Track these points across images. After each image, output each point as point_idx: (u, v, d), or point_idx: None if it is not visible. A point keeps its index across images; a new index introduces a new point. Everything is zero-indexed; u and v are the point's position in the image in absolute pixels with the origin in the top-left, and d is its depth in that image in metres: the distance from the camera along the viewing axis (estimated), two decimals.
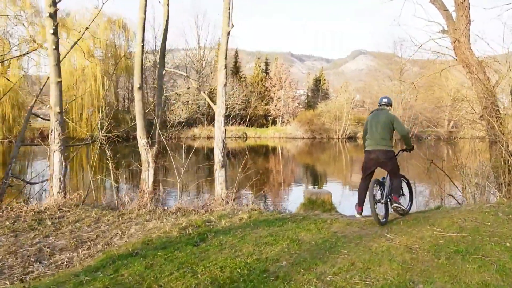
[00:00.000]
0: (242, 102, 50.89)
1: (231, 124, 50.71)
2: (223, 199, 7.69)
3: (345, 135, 46.77)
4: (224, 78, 8.05)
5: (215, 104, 8.20)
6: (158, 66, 7.85)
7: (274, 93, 53.26)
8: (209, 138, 48.11)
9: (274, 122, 54.53)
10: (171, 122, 46.14)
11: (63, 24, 37.66)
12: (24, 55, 40.93)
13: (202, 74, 53.15)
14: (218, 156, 7.93)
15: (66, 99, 40.19)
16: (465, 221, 5.63)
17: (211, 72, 53.18)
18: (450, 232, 5.06)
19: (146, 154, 7.35)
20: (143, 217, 5.87)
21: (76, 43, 8.60)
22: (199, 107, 51.53)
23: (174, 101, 50.55)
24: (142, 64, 7.33)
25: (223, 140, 8.00)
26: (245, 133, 49.73)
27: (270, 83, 53.79)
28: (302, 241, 4.62)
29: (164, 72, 7.67)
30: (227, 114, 45.77)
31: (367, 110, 48.55)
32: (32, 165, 13.73)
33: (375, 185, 5.83)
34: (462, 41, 9.68)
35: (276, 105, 53.17)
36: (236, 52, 56.14)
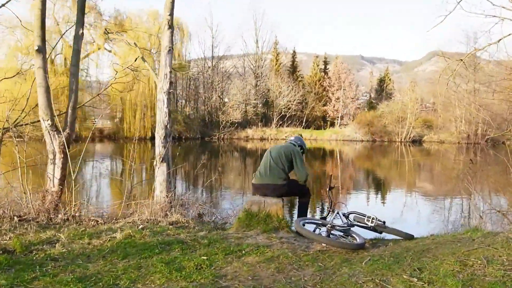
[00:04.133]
0: (298, 102, 48.48)
1: (286, 126, 48.58)
2: (161, 206, 5.67)
3: (409, 138, 42.44)
4: (169, 41, 6.00)
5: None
6: (75, 24, 5.91)
7: (333, 94, 50.10)
8: (262, 139, 46.42)
9: (332, 124, 51.34)
10: (224, 122, 45.62)
11: (122, 25, 37.99)
12: (85, 57, 42.40)
13: (260, 73, 51.67)
14: (158, 147, 5.93)
15: (122, 100, 40.57)
16: (489, 263, 3.15)
17: (270, 71, 51.58)
18: None
19: (52, 142, 5.52)
20: None
21: None
22: (254, 107, 50.01)
23: (227, 101, 49.47)
24: (43, 18, 5.47)
25: (166, 126, 5.96)
26: (301, 135, 47.13)
27: (329, 83, 50.71)
28: None
29: (81, 31, 5.79)
30: (281, 115, 44.14)
31: (435, 111, 43.81)
32: None
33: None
34: None
35: (334, 106, 49.97)
36: (294, 52, 54.01)
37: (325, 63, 54.70)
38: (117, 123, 41.35)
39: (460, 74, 43.52)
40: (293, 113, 48.52)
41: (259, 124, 48.54)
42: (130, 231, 3.93)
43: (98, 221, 4.76)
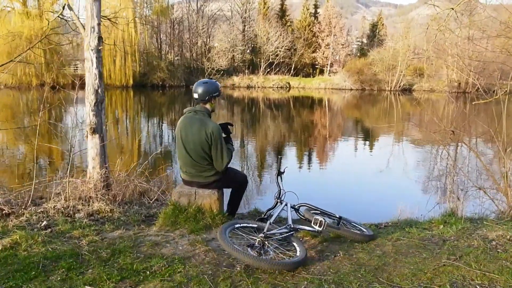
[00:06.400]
0: (287, 49, 46.63)
1: (274, 73, 47.14)
2: (95, 185, 4.85)
3: (399, 86, 41.47)
4: None
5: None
6: None
7: (323, 40, 48.23)
8: (249, 87, 45.10)
9: (322, 72, 49.92)
10: (209, 70, 43.99)
11: None
12: None
13: (248, 17, 49.29)
14: (89, 116, 4.98)
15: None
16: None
17: (257, 15, 49.20)
18: None
19: None
20: None
21: None
22: (241, 54, 48.14)
23: (216, 45, 47.37)
24: None
25: (97, 90, 4.96)
26: (288, 83, 45.95)
27: (319, 29, 48.63)
28: None
29: None
30: (269, 62, 42.50)
31: (428, 59, 42.42)
32: None
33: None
34: None
35: (324, 53, 48.26)
36: None
37: (316, 6, 52.20)
38: None
39: (455, 19, 41.57)
40: (281, 60, 46.90)
41: (246, 71, 47.04)
42: (18, 237, 3.11)
43: (3, 210, 3.94)
